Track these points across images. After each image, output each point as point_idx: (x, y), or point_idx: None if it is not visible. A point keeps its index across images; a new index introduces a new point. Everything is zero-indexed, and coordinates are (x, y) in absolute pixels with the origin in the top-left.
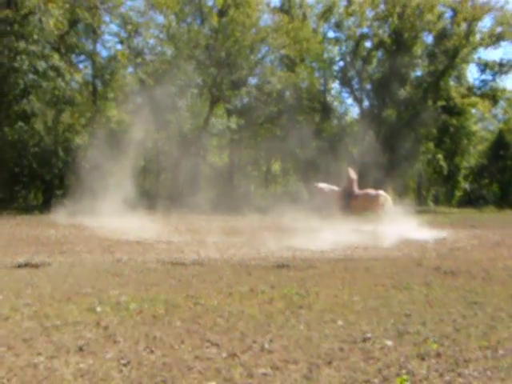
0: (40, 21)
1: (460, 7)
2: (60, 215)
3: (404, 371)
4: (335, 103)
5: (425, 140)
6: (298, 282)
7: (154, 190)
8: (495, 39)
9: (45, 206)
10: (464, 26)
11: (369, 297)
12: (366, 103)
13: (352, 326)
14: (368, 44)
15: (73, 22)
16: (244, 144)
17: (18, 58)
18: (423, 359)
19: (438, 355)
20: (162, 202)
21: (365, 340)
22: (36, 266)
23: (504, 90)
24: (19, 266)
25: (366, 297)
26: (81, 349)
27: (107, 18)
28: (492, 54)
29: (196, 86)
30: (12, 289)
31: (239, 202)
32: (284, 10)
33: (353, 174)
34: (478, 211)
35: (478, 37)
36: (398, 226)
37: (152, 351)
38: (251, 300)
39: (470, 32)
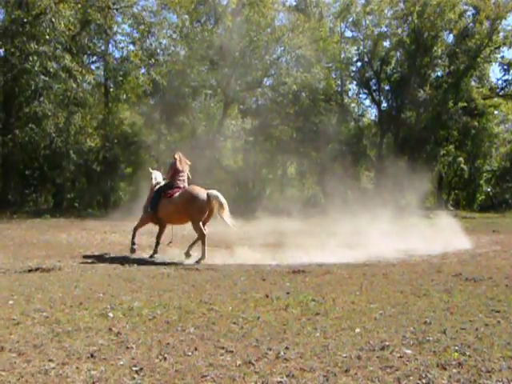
0: (51, 21)
1: (483, 5)
2: (71, 219)
3: (424, 381)
4: (352, 105)
5: (445, 142)
6: (315, 288)
7: None
8: None
9: (56, 209)
10: (486, 24)
11: (387, 304)
12: (384, 105)
13: (370, 334)
14: (386, 44)
15: (84, 23)
16: (259, 146)
17: (29, 59)
18: (444, 369)
19: (460, 365)
20: None
21: (383, 348)
22: (47, 271)
23: None
24: (30, 271)
25: (384, 304)
26: (92, 355)
27: (119, 18)
28: None
29: (210, 86)
30: (23, 293)
31: (254, 205)
32: (300, 8)
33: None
34: (500, 216)
35: (501, 36)
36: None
37: (165, 358)
38: (266, 306)
39: (492, 31)
